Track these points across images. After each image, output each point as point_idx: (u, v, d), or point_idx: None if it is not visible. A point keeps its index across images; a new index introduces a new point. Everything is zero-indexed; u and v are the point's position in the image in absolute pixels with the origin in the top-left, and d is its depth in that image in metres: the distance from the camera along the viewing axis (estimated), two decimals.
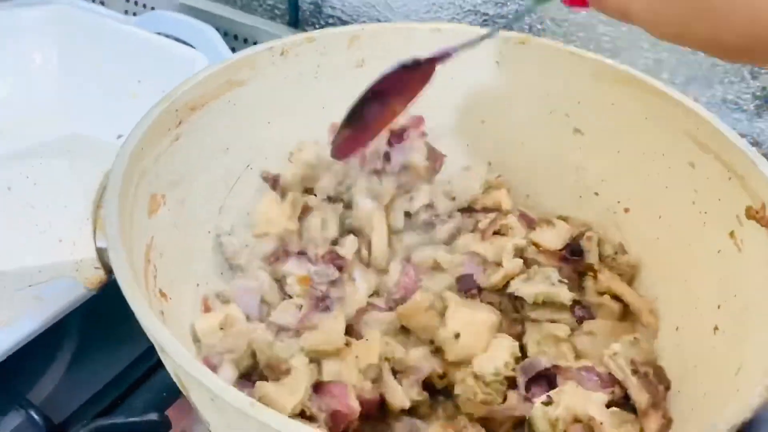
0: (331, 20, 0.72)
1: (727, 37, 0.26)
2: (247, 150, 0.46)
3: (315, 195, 0.48)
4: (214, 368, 0.37)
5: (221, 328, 0.38)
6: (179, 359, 0.25)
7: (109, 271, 0.34)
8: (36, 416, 0.39)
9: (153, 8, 0.80)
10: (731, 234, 0.38)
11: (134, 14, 0.80)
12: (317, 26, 0.74)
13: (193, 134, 0.41)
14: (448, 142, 0.52)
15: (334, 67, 0.48)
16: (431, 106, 0.50)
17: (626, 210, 0.47)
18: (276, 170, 0.48)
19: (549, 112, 0.49)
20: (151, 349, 0.44)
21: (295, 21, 0.74)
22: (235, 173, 0.46)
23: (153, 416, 0.40)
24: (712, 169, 0.40)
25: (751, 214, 0.37)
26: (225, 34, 0.72)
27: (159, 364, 0.44)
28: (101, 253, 0.34)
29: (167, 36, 0.64)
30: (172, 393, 0.42)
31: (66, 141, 0.41)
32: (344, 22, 0.72)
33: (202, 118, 0.42)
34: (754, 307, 0.34)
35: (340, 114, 0.49)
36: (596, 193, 0.48)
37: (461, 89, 0.50)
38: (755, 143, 0.56)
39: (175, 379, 0.30)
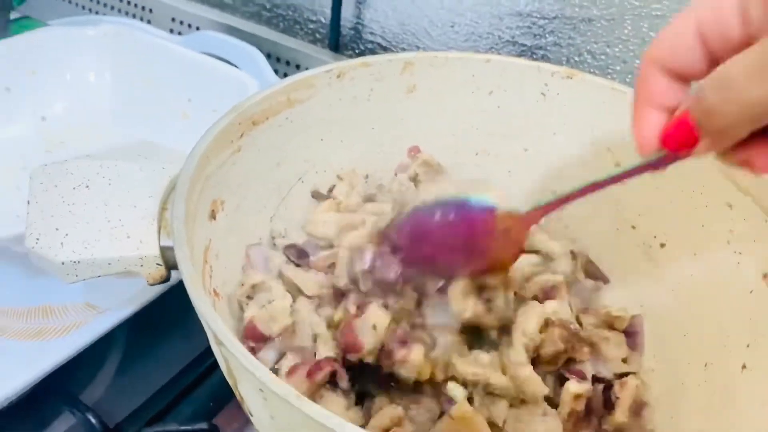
0: (370, 45, 0.75)
1: None
2: (300, 164, 0.49)
3: None
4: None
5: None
6: (233, 349, 0.27)
7: (169, 268, 0.37)
8: (92, 419, 0.42)
9: (198, 28, 0.84)
10: (765, 276, 0.39)
11: (179, 33, 0.83)
12: (357, 51, 0.77)
13: (253, 146, 0.44)
14: (491, 167, 0.54)
15: (386, 92, 0.51)
16: (477, 130, 0.53)
17: (662, 245, 0.48)
18: (325, 184, 0.51)
19: (590, 144, 0.50)
20: (198, 359, 0.47)
21: (336, 45, 0.77)
22: (288, 185, 0.49)
23: (202, 425, 0.42)
24: (750, 211, 0.41)
25: None
26: (267, 56, 0.75)
27: (207, 373, 0.47)
28: (164, 252, 0.37)
29: (212, 56, 0.67)
30: (221, 402, 0.45)
31: (136, 146, 0.44)
32: (384, 48, 0.74)
33: (262, 131, 0.45)
34: None
35: (388, 135, 0.52)
36: (633, 227, 0.50)
37: (507, 117, 0.52)
38: None
39: (224, 370, 0.32)
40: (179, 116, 0.63)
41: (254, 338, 0.38)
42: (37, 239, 0.36)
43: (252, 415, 0.32)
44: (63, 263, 0.35)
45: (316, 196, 0.50)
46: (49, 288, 0.48)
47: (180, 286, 0.38)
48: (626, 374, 0.43)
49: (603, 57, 0.61)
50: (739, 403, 0.36)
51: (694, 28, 0.27)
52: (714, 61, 0.27)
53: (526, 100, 0.52)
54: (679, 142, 0.27)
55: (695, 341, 0.43)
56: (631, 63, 0.60)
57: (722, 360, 0.40)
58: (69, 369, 0.41)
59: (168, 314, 0.48)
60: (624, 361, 0.45)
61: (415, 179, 0.51)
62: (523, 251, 0.38)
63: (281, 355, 0.39)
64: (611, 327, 0.46)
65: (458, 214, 0.35)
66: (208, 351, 0.46)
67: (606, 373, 0.43)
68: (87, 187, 0.37)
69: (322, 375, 0.35)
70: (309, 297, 0.42)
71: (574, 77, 0.50)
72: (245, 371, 0.27)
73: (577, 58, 0.63)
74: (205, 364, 0.47)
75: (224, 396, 0.44)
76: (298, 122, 0.47)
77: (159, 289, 0.44)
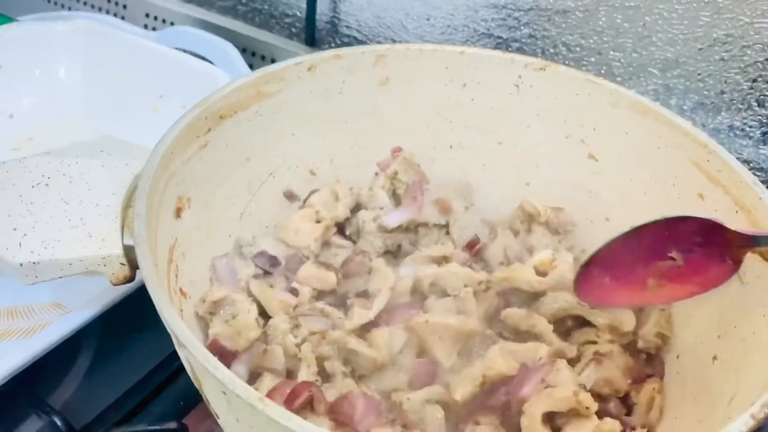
0: (346, 39, 0.75)
1: None
2: (271, 159, 0.48)
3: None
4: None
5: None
6: (194, 351, 0.26)
7: (133, 267, 0.36)
8: (58, 421, 0.41)
9: (172, 23, 0.82)
10: None
11: (154, 29, 0.82)
12: (333, 45, 0.76)
13: (221, 141, 0.43)
14: (465, 160, 0.53)
15: (359, 85, 0.50)
16: (451, 123, 0.52)
17: None
18: (298, 181, 0.50)
19: (565, 137, 0.50)
20: (168, 359, 0.47)
21: (312, 39, 0.76)
22: (259, 181, 0.48)
23: (171, 424, 0.42)
24: (721, 201, 0.41)
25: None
26: (243, 51, 0.75)
27: (176, 374, 0.46)
28: (128, 250, 0.36)
29: (187, 51, 0.66)
30: (190, 401, 0.44)
31: (98, 142, 0.43)
32: (360, 42, 0.74)
33: (230, 126, 0.44)
34: (751, 339, 0.35)
35: (361, 129, 0.52)
36: (607, 219, 0.49)
37: (481, 109, 0.52)
38: (761, 169, 0.56)
39: (189, 373, 0.31)
40: (150, 112, 0.62)
41: (221, 355, 0.37)
42: None
43: (219, 417, 0.32)
44: (21, 264, 0.34)
45: (289, 196, 0.49)
46: (15, 288, 0.46)
47: None
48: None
49: (578, 49, 0.61)
50: (709, 395, 0.36)
51: None
52: None
53: (500, 92, 0.51)
54: None
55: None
56: (606, 54, 0.60)
57: (694, 352, 0.40)
58: (36, 371, 0.40)
59: (138, 314, 0.47)
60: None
61: (393, 180, 0.50)
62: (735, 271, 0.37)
63: (255, 372, 0.38)
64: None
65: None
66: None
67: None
68: (47, 185, 0.36)
69: (300, 401, 0.34)
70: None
71: (547, 69, 0.49)
72: (208, 374, 0.26)
73: (552, 50, 0.63)
74: (175, 364, 0.46)
75: (194, 396, 0.43)
76: (269, 116, 0.46)
77: (126, 288, 0.43)
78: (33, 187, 0.36)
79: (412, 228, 0.50)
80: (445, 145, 0.53)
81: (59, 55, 0.65)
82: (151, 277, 0.30)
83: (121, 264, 0.36)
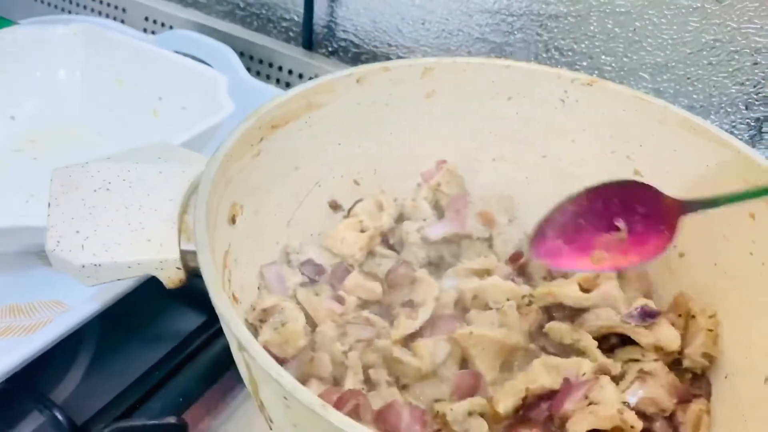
0: (343, 43, 0.76)
1: None
2: (318, 168, 0.49)
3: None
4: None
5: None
6: (257, 356, 0.27)
7: (188, 271, 0.37)
8: (60, 416, 0.41)
9: (171, 27, 0.84)
10: None
11: (153, 32, 0.83)
12: (330, 48, 0.77)
13: (273, 150, 0.44)
14: (509, 173, 0.53)
15: (405, 97, 0.50)
16: (496, 136, 0.53)
17: (681, 255, 0.47)
18: (343, 191, 0.51)
19: (611, 152, 0.50)
20: (169, 355, 0.47)
21: (309, 43, 0.77)
22: (305, 190, 0.48)
23: (171, 419, 0.42)
24: None
25: None
26: (241, 54, 0.76)
27: (176, 370, 0.46)
28: (184, 255, 0.36)
29: (186, 55, 0.67)
30: (190, 398, 0.45)
31: (155, 148, 0.44)
32: (356, 45, 0.75)
33: (281, 135, 0.45)
34: None
35: (406, 140, 0.52)
36: None
37: (526, 123, 0.52)
38: None
39: (245, 377, 0.32)
40: (150, 114, 0.62)
41: None
42: (58, 242, 0.35)
43: (272, 422, 0.32)
44: (83, 266, 0.35)
45: (333, 206, 0.50)
46: (17, 286, 0.48)
47: (149, 282, 0.39)
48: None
49: (570, 53, 0.63)
50: (761, 417, 0.36)
51: None
52: None
53: (545, 106, 0.51)
54: None
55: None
56: (597, 59, 0.62)
57: (745, 372, 0.39)
58: (38, 367, 0.41)
59: (138, 311, 0.49)
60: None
61: (436, 192, 0.51)
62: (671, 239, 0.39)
63: (301, 379, 0.38)
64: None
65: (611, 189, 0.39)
66: (179, 347, 0.48)
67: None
68: (108, 189, 0.37)
69: (347, 409, 0.35)
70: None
71: (594, 84, 0.50)
72: (269, 378, 0.27)
73: (544, 54, 0.64)
74: (176, 360, 0.47)
75: (194, 392, 0.45)
76: (317, 126, 0.47)
77: (127, 285, 0.44)
78: (95, 191, 0.37)
79: (455, 240, 0.50)
80: (489, 157, 0.54)
81: (60, 58, 0.66)
82: (213, 283, 0.30)
83: (177, 268, 0.36)
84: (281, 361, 0.39)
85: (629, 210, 0.39)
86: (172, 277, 0.37)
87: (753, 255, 0.42)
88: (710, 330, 0.42)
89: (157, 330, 0.50)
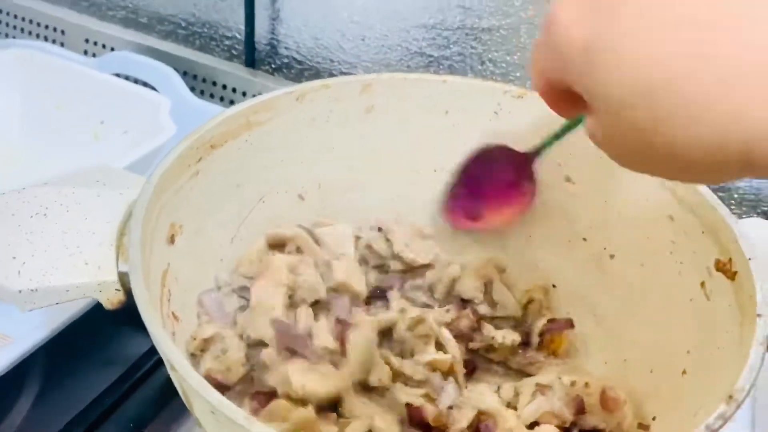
0: (286, 60, 0.77)
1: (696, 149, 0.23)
2: (261, 185, 0.50)
3: None
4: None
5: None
6: (184, 373, 0.28)
7: (127, 292, 0.38)
8: None
9: (113, 48, 0.83)
10: (702, 284, 0.41)
11: (94, 55, 0.83)
12: (273, 66, 0.78)
13: (212, 169, 0.45)
14: (405, 190, 0.55)
15: (345, 112, 0.52)
16: (435, 148, 0.55)
17: (611, 256, 0.50)
18: (287, 206, 0.52)
19: (542, 160, 0.52)
20: (118, 380, 0.47)
21: (252, 61, 0.78)
22: (248, 206, 0.50)
23: None
24: (689, 223, 0.43)
25: (719, 266, 0.39)
26: (184, 74, 0.76)
27: (127, 394, 0.47)
28: (122, 277, 0.37)
29: (128, 76, 0.67)
30: (142, 422, 0.45)
31: (95, 171, 0.45)
32: (299, 62, 0.76)
33: (221, 154, 0.46)
34: (717, 353, 0.37)
35: (348, 155, 0.54)
36: (584, 239, 0.51)
37: (463, 135, 0.54)
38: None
39: (181, 395, 0.33)
40: (91, 138, 0.62)
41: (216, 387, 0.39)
42: None
43: None
44: (20, 291, 0.35)
45: (273, 246, 0.49)
46: None
47: (96, 308, 0.39)
48: None
49: (503, 65, 0.66)
50: (679, 408, 0.38)
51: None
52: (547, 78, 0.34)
53: (481, 118, 0.53)
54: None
55: (641, 349, 0.45)
56: (529, 69, 0.64)
57: (666, 366, 0.42)
58: None
59: (86, 337, 0.48)
60: None
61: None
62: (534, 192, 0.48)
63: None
64: None
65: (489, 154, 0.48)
66: (128, 371, 0.48)
67: None
68: (45, 215, 0.38)
69: None
70: None
71: (524, 96, 0.52)
72: (197, 395, 0.28)
73: (480, 67, 0.67)
74: (125, 385, 0.47)
75: (145, 416, 0.45)
76: (258, 144, 0.48)
77: (71, 313, 0.44)
78: (32, 216, 0.38)
79: None
80: (430, 169, 0.55)
81: None
82: (145, 304, 0.31)
83: (116, 290, 0.37)
84: (226, 388, 0.40)
85: (501, 170, 0.48)
86: (111, 298, 0.37)
87: (672, 254, 0.44)
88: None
89: (105, 355, 0.50)
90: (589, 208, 0.51)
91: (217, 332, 0.41)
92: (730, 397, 0.29)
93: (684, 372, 0.39)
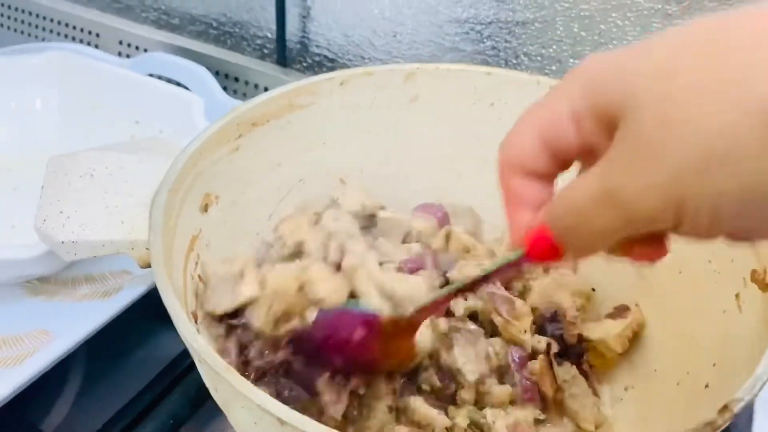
0: (317, 58, 0.77)
1: None
2: (301, 166, 0.52)
3: None
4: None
5: None
6: (180, 324, 0.30)
7: None
8: None
9: (146, 50, 0.85)
10: (737, 296, 0.38)
11: (128, 56, 0.84)
12: (305, 64, 0.78)
13: (252, 147, 0.47)
14: (491, 177, 0.55)
15: (388, 101, 0.53)
16: (479, 140, 0.54)
17: None
18: (328, 188, 0.53)
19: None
20: (157, 378, 0.48)
21: (283, 59, 0.78)
22: (287, 186, 0.51)
23: None
24: None
25: (754, 277, 0.37)
26: (216, 74, 0.76)
27: (166, 392, 0.47)
28: None
29: (161, 77, 0.67)
30: (180, 419, 0.46)
31: (148, 141, 0.48)
32: (330, 60, 0.76)
33: (262, 133, 0.48)
34: (740, 367, 0.34)
35: (391, 142, 0.54)
36: None
37: (507, 128, 0.53)
38: None
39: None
40: (127, 139, 0.63)
41: None
42: (44, 220, 0.40)
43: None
44: (63, 242, 0.39)
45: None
46: (2, 320, 0.48)
47: (134, 307, 0.42)
48: None
49: (539, 58, 0.63)
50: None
51: (534, 132, 0.26)
52: (560, 161, 0.26)
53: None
54: (544, 253, 0.26)
55: (672, 359, 0.43)
56: (566, 63, 0.62)
57: (692, 379, 0.39)
58: (27, 398, 0.42)
59: (125, 335, 0.50)
60: None
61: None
62: (414, 353, 0.38)
63: None
64: None
65: (343, 322, 0.35)
66: (167, 369, 0.49)
67: None
68: (91, 176, 0.41)
69: None
70: None
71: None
72: (203, 362, 0.29)
73: (514, 61, 0.64)
74: (164, 382, 0.48)
75: (184, 413, 0.45)
76: (300, 126, 0.50)
77: (113, 311, 0.45)
78: (80, 176, 0.41)
79: None
80: (471, 161, 0.55)
81: (34, 87, 0.67)
82: (159, 258, 0.34)
83: (147, 249, 0.40)
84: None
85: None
86: (142, 256, 0.40)
87: (711, 263, 0.41)
88: None
89: (144, 354, 0.51)
90: None
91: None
92: (725, 406, 0.27)
93: (707, 386, 0.37)
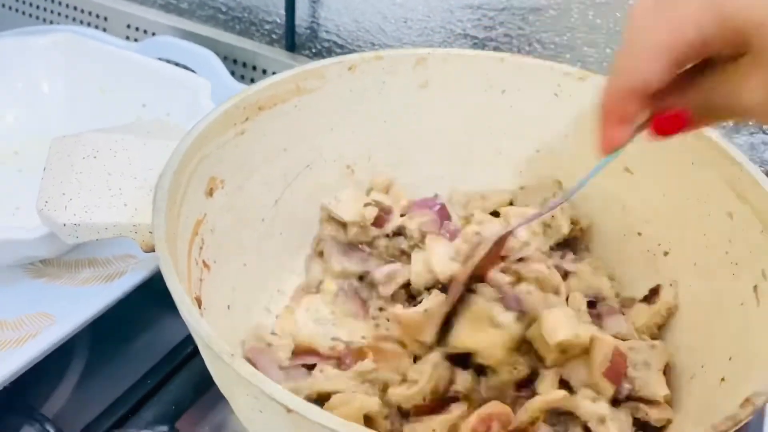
0: (326, 44, 0.76)
1: None
2: (308, 152, 0.51)
3: None
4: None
5: None
6: (181, 305, 0.29)
7: None
8: (51, 430, 0.42)
9: (154, 34, 0.84)
10: (755, 288, 0.37)
11: (135, 40, 0.82)
12: (313, 50, 0.77)
13: (259, 130, 0.46)
14: (501, 166, 0.54)
15: (399, 86, 0.52)
16: (490, 128, 0.53)
17: (665, 253, 0.46)
18: (335, 175, 0.53)
19: None
20: (159, 363, 0.47)
21: (292, 45, 0.77)
22: (294, 171, 0.50)
23: (163, 428, 0.43)
24: (748, 221, 0.39)
25: None
26: (224, 59, 0.75)
27: (168, 378, 0.47)
28: None
29: (168, 61, 0.66)
30: (182, 405, 0.45)
31: (151, 123, 0.47)
32: (340, 46, 0.75)
33: (269, 117, 0.47)
34: (756, 361, 0.33)
35: (400, 129, 0.53)
36: (639, 233, 0.48)
37: (520, 116, 0.52)
38: None
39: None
40: (134, 120, 0.58)
41: None
42: (46, 202, 0.39)
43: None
44: (65, 224, 0.38)
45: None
46: (3, 300, 0.47)
47: (137, 292, 0.42)
48: None
49: (552, 46, 0.62)
50: (713, 417, 0.35)
51: (662, 56, 0.28)
52: (678, 65, 0.29)
53: (539, 100, 0.51)
54: (672, 129, 0.32)
55: (686, 353, 0.42)
56: (580, 50, 0.61)
57: (707, 373, 0.38)
58: (28, 381, 0.41)
59: (128, 321, 0.50)
60: None
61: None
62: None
63: None
64: None
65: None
66: (169, 355, 0.48)
67: None
68: (94, 157, 0.40)
69: None
70: None
71: (586, 79, 0.49)
72: (207, 347, 0.29)
73: (527, 48, 0.63)
74: (167, 368, 0.47)
75: (186, 400, 0.45)
76: (307, 110, 0.49)
77: (116, 295, 0.44)
78: (84, 158, 0.41)
79: None
80: (483, 150, 0.54)
81: (41, 68, 0.66)
82: (160, 239, 0.33)
83: (150, 232, 0.39)
84: None
85: None
86: (145, 240, 0.39)
87: (728, 254, 0.40)
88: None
89: (147, 339, 0.51)
90: (646, 200, 0.48)
91: None
92: (747, 400, 0.26)
93: (723, 379, 0.36)
